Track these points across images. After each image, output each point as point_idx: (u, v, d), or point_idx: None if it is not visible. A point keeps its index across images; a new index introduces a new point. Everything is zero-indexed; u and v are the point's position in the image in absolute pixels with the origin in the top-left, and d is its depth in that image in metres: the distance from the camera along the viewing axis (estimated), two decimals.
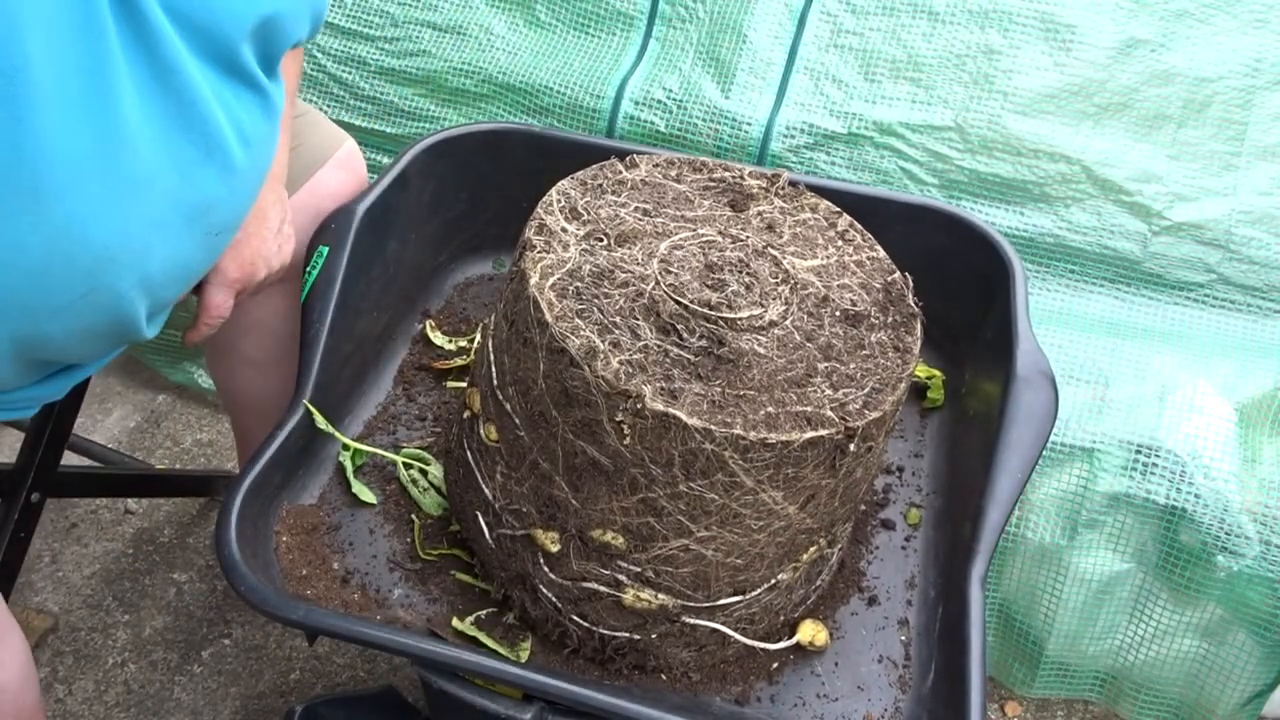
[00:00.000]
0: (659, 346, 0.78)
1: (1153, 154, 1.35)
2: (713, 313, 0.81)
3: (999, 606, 1.37)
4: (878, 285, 0.92)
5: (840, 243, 0.96)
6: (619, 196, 0.94)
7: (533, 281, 0.80)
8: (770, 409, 0.75)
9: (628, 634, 0.87)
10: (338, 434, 1.01)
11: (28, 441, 1.22)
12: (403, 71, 1.51)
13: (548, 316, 0.77)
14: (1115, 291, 1.36)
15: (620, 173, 0.98)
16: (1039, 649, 1.36)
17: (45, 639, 1.44)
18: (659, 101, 1.42)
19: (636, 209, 0.93)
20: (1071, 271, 1.37)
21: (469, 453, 0.93)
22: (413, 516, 1.00)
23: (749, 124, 1.40)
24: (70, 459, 1.33)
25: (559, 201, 0.91)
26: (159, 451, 1.74)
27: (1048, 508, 1.27)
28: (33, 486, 1.21)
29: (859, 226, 0.99)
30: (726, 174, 1.01)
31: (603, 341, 0.76)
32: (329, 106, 1.54)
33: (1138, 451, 1.23)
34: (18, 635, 0.91)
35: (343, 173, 1.12)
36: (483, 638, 0.90)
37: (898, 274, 0.94)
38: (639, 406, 0.73)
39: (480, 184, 1.22)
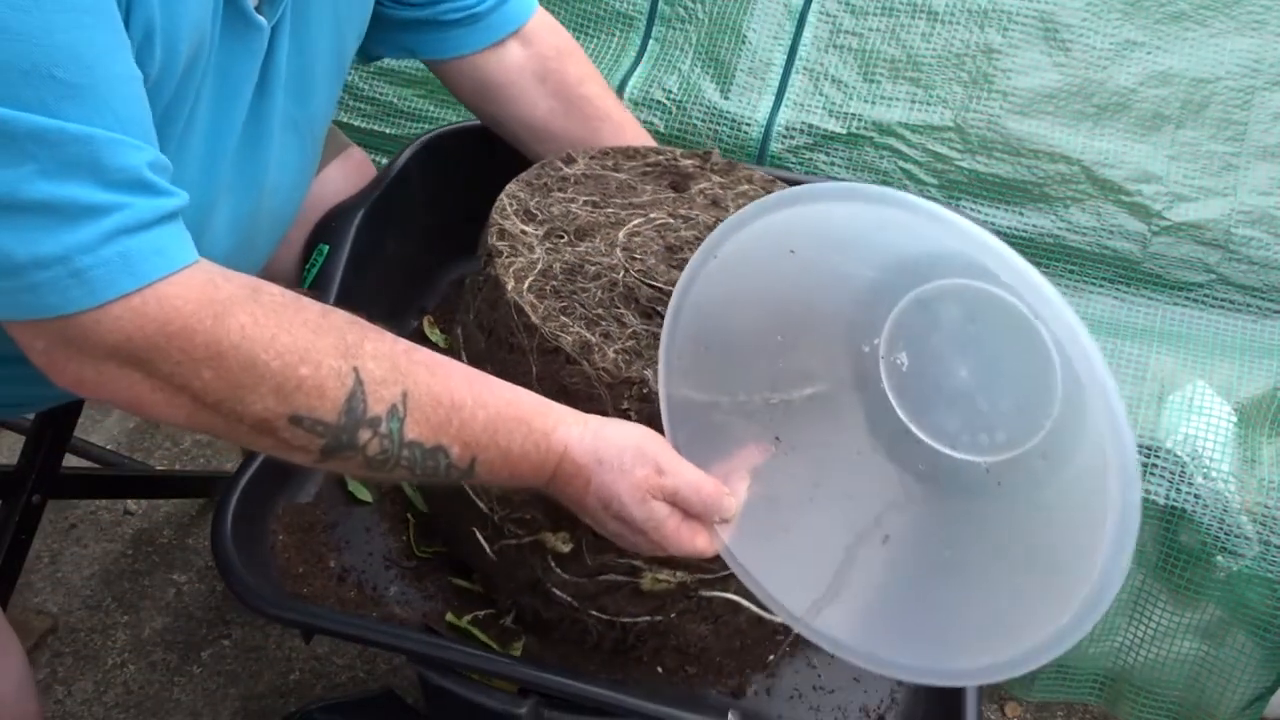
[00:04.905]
0: (646, 331, 0.78)
1: (1152, 154, 1.35)
2: None
3: None
4: None
5: None
6: (565, 193, 0.94)
7: (510, 286, 0.80)
8: None
9: (649, 617, 0.87)
10: None
11: (28, 444, 1.22)
12: (402, 72, 1.51)
13: (534, 319, 0.77)
14: (1115, 291, 1.36)
15: (561, 169, 0.98)
16: None
17: (44, 640, 1.44)
18: (658, 102, 1.42)
19: (585, 202, 0.93)
20: (1071, 271, 1.36)
21: None
22: (408, 514, 1.00)
23: (748, 125, 1.40)
24: (69, 460, 1.34)
25: (511, 205, 0.91)
26: (158, 452, 1.74)
27: None
28: (33, 488, 1.21)
29: None
30: (660, 157, 1.03)
31: (593, 335, 0.76)
32: None
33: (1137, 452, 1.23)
34: (15, 645, 0.91)
35: (354, 176, 1.13)
36: (477, 633, 0.90)
37: None
38: (644, 391, 0.74)
39: (477, 181, 1.22)
